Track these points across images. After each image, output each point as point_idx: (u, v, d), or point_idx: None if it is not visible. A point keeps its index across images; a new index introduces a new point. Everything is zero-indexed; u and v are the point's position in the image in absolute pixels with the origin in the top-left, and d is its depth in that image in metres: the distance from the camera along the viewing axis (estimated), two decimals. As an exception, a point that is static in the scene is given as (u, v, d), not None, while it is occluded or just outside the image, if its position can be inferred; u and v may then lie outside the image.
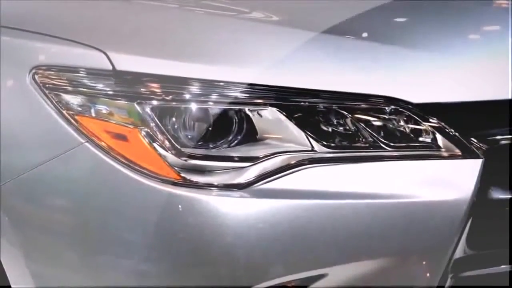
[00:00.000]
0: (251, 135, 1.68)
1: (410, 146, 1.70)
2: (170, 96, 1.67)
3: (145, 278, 1.68)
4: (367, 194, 1.65)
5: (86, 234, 1.71)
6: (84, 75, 1.71)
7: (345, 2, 2.09)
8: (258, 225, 1.61)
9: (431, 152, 1.70)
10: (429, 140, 1.70)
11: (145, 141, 1.66)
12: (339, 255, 1.64)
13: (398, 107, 1.69)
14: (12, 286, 1.78)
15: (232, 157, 1.66)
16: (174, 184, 1.64)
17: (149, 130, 1.66)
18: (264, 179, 1.65)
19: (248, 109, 1.67)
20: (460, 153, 1.70)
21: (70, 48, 1.75)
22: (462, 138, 1.70)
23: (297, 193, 1.64)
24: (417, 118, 1.70)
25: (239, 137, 1.68)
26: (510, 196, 1.72)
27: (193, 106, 1.67)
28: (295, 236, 1.62)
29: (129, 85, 1.68)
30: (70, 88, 1.72)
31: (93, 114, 1.70)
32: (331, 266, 1.64)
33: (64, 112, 1.71)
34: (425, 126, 1.70)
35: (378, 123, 1.70)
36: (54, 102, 1.71)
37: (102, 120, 1.69)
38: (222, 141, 1.68)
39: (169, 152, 1.66)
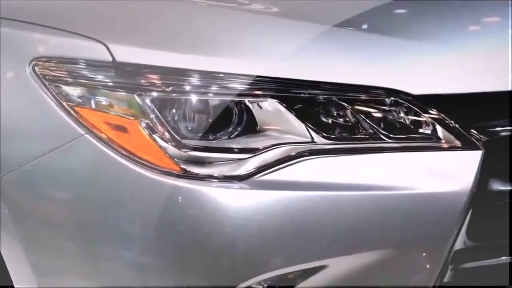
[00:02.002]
0: (251, 126, 1.68)
1: (410, 138, 1.70)
2: (170, 88, 1.67)
3: (146, 269, 1.68)
4: (367, 186, 1.65)
5: (86, 226, 1.71)
6: (84, 66, 1.71)
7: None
8: (258, 216, 1.61)
9: (431, 144, 1.70)
10: (429, 131, 1.70)
11: (145, 132, 1.66)
12: (339, 246, 1.64)
13: (398, 99, 1.69)
14: (12, 277, 1.78)
15: (232, 148, 1.66)
16: (174, 175, 1.64)
17: (149, 122, 1.66)
18: (264, 171, 1.65)
19: (248, 101, 1.67)
20: (460, 145, 1.70)
21: (70, 40, 1.75)
22: (462, 129, 1.70)
23: (297, 185, 1.64)
24: (417, 109, 1.70)
25: (239, 129, 1.68)
26: (510, 188, 1.72)
27: (193, 98, 1.67)
28: (295, 228, 1.62)
29: (129, 76, 1.68)
30: (70, 80, 1.72)
31: (93, 106, 1.70)
32: (331, 257, 1.64)
33: (64, 103, 1.71)
34: (425, 117, 1.70)
35: (378, 115, 1.70)
36: (54, 93, 1.72)
37: (102, 111, 1.69)
38: (222, 132, 1.68)
39: (169, 143, 1.66)
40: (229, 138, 1.68)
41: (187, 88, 1.67)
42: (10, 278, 1.80)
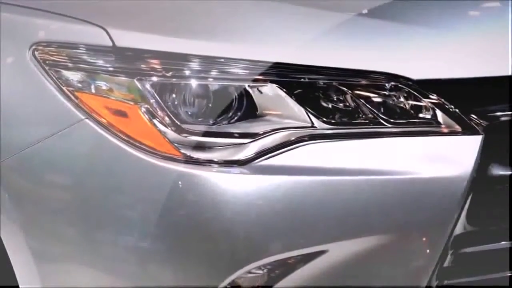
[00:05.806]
0: (251, 111, 1.68)
1: (410, 123, 1.70)
2: (170, 73, 1.67)
3: (145, 254, 1.68)
4: (367, 171, 1.65)
5: (86, 210, 1.71)
6: (84, 51, 1.71)
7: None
8: (257, 201, 1.61)
9: (431, 129, 1.70)
10: (429, 116, 1.71)
11: (145, 117, 1.66)
12: (339, 231, 1.65)
13: (398, 84, 1.70)
14: (12, 262, 1.78)
15: (232, 133, 1.66)
16: (174, 160, 1.64)
17: (149, 107, 1.66)
18: (264, 156, 1.65)
19: (248, 86, 1.67)
20: (460, 130, 1.70)
21: (70, 25, 1.75)
22: (462, 114, 1.70)
23: (297, 170, 1.64)
24: (417, 94, 1.70)
25: (239, 114, 1.68)
26: (510, 172, 1.72)
27: (193, 83, 1.67)
28: (294, 213, 1.63)
29: (129, 61, 1.68)
30: (70, 65, 1.71)
31: (93, 91, 1.70)
32: (331, 242, 1.64)
33: (64, 88, 1.71)
34: (425, 102, 1.70)
35: (378, 100, 1.70)
36: (54, 78, 1.71)
37: (102, 96, 1.69)
38: (222, 117, 1.68)
39: (169, 128, 1.66)
40: (229, 123, 1.68)
41: (187, 73, 1.67)
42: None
